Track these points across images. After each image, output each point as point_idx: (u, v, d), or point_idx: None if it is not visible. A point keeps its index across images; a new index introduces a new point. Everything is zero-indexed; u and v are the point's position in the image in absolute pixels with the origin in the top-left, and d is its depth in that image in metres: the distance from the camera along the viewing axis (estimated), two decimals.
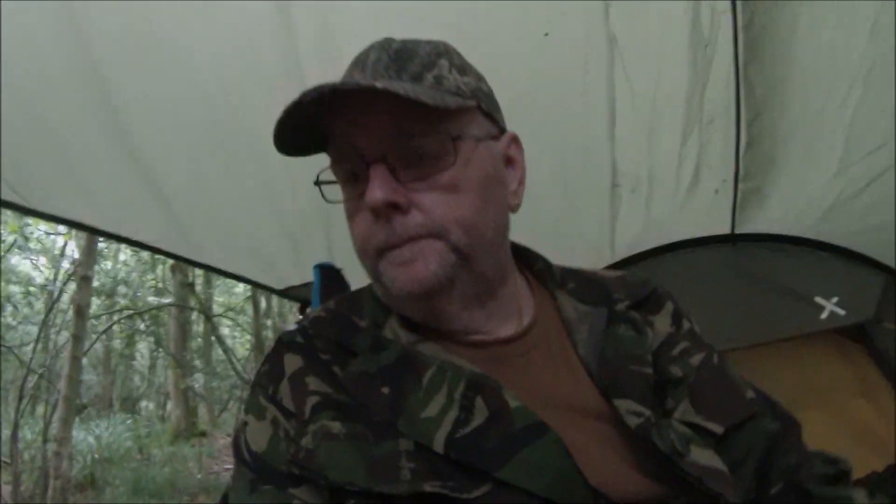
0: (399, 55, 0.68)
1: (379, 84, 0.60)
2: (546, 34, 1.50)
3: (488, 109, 0.71)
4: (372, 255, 0.68)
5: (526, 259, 0.84)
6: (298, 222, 1.82)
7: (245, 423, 0.70)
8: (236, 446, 0.70)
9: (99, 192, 1.59)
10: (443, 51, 0.71)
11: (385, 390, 0.65)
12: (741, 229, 1.98)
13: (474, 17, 1.42)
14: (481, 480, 0.58)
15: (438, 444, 0.60)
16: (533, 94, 1.56)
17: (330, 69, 1.45)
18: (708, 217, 2.01)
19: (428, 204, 0.65)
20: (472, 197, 0.67)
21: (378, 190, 0.63)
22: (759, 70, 1.55)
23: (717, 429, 0.67)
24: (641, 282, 0.84)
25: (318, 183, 0.72)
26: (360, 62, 0.69)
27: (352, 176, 0.69)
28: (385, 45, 0.70)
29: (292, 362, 0.71)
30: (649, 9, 1.47)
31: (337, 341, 0.72)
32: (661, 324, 0.79)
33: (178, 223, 1.73)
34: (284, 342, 0.74)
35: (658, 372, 0.72)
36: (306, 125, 0.67)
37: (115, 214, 1.66)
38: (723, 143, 1.76)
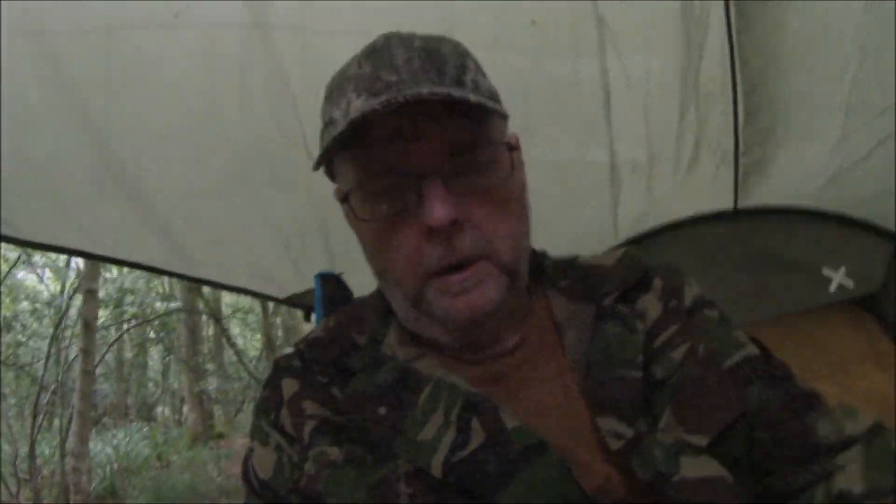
0: (430, 56, 0.62)
1: (455, 93, 0.57)
2: (533, 22, 1.46)
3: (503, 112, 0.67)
4: (420, 277, 0.63)
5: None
6: (296, 233, 1.81)
7: (252, 450, 0.70)
8: (245, 472, 0.71)
9: (92, 219, 1.61)
10: (462, 50, 0.67)
11: (382, 410, 0.64)
12: (743, 204, 1.94)
13: (454, 9, 1.38)
14: None
15: (436, 469, 0.58)
16: (523, 83, 1.53)
17: (313, 73, 1.43)
18: (711, 193, 1.97)
19: (478, 219, 0.62)
20: (516, 208, 0.65)
21: (441, 209, 0.58)
22: (753, 41, 1.52)
23: (702, 441, 0.61)
24: (634, 264, 0.79)
25: (344, 201, 0.67)
26: (384, 61, 0.62)
27: (387, 191, 0.63)
28: (406, 42, 0.64)
29: (289, 386, 0.70)
30: None
31: (334, 362, 0.71)
32: (652, 307, 0.73)
33: (175, 243, 1.72)
34: (281, 367, 0.73)
35: (647, 372, 0.67)
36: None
37: (110, 239, 1.67)
38: (722, 119, 1.72)
